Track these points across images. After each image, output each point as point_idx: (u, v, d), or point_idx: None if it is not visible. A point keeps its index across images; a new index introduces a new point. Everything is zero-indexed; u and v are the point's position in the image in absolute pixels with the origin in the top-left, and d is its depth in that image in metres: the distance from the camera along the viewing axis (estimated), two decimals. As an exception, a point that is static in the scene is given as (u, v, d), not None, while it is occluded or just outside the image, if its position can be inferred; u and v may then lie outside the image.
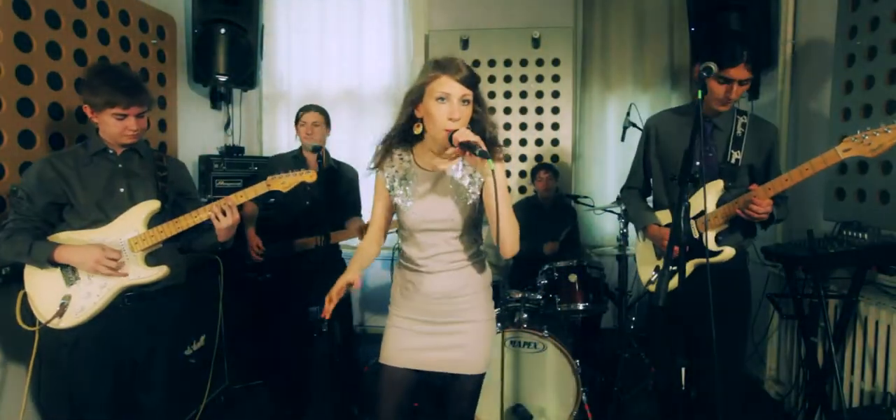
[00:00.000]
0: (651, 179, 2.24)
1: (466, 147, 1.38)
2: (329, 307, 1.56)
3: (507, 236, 1.49)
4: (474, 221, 1.61)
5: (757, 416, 2.89)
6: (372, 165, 1.66)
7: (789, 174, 1.86)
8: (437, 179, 1.59)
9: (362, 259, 1.70)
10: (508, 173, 4.22)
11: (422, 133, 1.57)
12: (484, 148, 1.36)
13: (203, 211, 1.88)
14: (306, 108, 2.79)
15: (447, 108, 1.46)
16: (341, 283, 1.57)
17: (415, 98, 1.53)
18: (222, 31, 3.48)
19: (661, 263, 2.14)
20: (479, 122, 1.54)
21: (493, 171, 1.40)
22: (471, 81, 1.49)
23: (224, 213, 1.86)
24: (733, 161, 1.99)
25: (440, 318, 1.61)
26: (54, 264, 1.78)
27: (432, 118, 1.48)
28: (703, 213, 1.93)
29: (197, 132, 3.70)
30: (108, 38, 2.76)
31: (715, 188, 1.98)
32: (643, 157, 2.24)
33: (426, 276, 1.60)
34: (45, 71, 2.39)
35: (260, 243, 2.79)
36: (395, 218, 1.72)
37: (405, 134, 1.62)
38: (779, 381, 3.01)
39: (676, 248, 1.63)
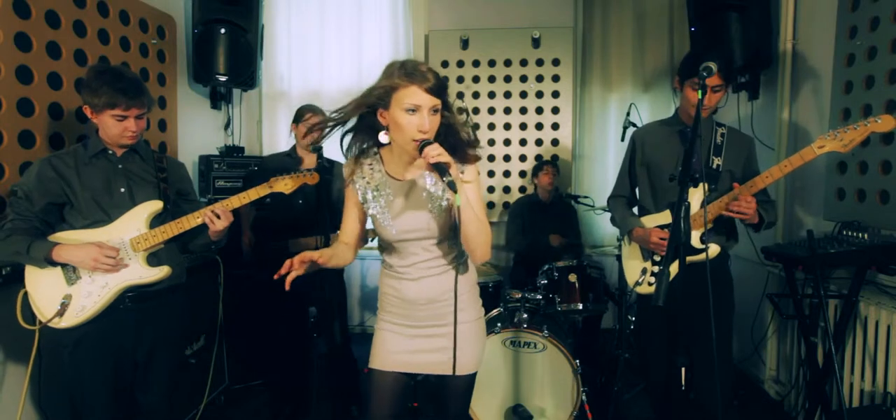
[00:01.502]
0: (637, 188, 2.34)
1: (437, 169, 1.34)
2: (286, 270, 1.39)
3: (477, 248, 1.48)
4: (452, 226, 1.55)
5: (757, 416, 2.89)
6: (345, 184, 1.61)
7: (770, 171, 1.94)
8: (409, 189, 1.55)
9: (337, 253, 1.60)
10: (508, 173, 4.23)
11: (389, 141, 1.51)
12: (451, 177, 1.31)
13: (201, 213, 1.89)
14: (310, 108, 2.78)
15: (417, 120, 1.39)
16: (305, 256, 1.43)
17: (378, 102, 1.45)
18: (222, 31, 3.49)
19: (647, 264, 2.22)
20: (451, 127, 1.50)
21: (460, 188, 1.32)
22: (439, 90, 1.42)
23: (219, 216, 1.87)
24: (715, 166, 2.11)
25: (426, 322, 1.60)
26: (53, 263, 1.78)
27: (401, 128, 1.42)
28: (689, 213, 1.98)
29: (197, 132, 3.70)
30: (108, 38, 2.77)
31: (698, 191, 2.05)
32: (629, 167, 2.35)
33: (408, 283, 1.58)
34: (45, 71, 2.39)
35: (251, 238, 2.81)
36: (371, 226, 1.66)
37: (368, 137, 1.56)
38: (779, 381, 3.01)
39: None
